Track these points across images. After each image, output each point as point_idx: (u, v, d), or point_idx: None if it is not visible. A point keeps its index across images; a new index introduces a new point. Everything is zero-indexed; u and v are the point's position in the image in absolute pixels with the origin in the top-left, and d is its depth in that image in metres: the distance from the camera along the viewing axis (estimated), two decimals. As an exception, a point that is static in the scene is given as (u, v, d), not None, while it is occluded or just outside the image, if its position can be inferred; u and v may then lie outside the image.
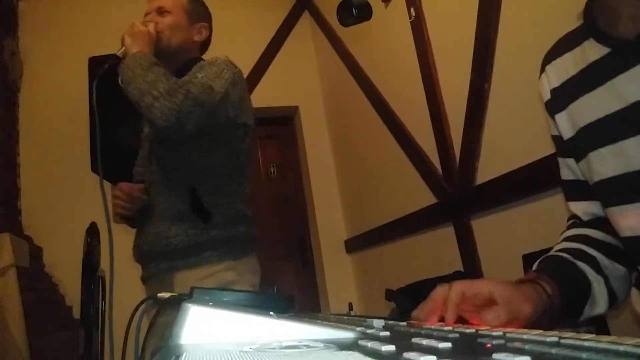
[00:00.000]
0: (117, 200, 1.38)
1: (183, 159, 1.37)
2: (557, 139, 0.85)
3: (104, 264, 1.46)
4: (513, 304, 0.61)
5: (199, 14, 1.51)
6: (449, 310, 0.58)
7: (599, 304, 0.73)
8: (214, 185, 1.37)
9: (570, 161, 0.83)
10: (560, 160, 0.86)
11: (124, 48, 1.33)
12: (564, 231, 0.86)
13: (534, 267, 0.77)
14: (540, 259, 0.78)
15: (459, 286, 0.61)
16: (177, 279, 1.33)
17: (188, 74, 1.32)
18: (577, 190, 0.84)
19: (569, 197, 0.87)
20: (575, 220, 0.87)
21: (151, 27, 1.38)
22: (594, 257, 0.76)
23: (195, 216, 1.33)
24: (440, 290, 0.62)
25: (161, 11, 1.44)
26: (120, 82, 1.28)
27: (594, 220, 0.82)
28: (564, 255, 0.77)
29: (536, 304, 0.64)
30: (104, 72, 1.34)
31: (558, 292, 0.68)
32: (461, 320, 0.59)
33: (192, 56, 1.47)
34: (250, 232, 1.42)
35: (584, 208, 0.83)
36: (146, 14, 1.46)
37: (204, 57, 1.50)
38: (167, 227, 1.35)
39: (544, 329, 0.40)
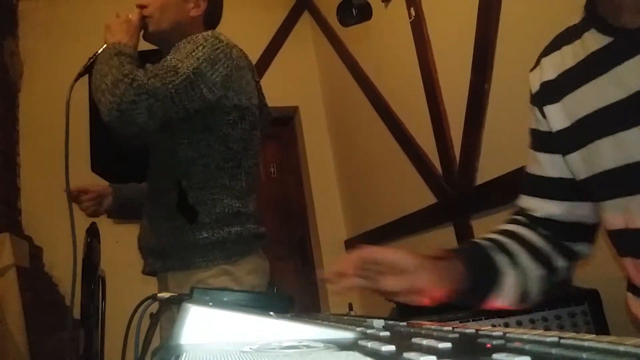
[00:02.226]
0: (80, 205, 1.39)
1: (169, 149, 1.26)
2: (536, 133, 0.84)
3: (104, 264, 1.46)
4: (418, 276, 0.63)
5: None
6: (347, 266, 0.60)
7: (507, 294, 0.75)
8: (202, 179, 1.24)
9: (545, 157, 0.82)
10: (533, 153, 0.86)
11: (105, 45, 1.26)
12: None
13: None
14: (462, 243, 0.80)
15: (369, 249, 0.63)
16: (170, 281, 1.27)
17: None
18: (540, 187, 0.83)
19: (527, 192, 0.86)
20: (516, 217, 0.86)
21: (133, 15, 1.31)
22: (512, 253, 0.77)
23: (180, 214, 1.23)
24: (353, 253, 0.63)
25: None
26: None
27: (544, 219, 0.82)
28: (483, 242, 0.79)
29: (444, 279, 0.66)
30: (84, 71, 1.30)
31: (465, 275, 0.71)
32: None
33: (193, 33, 1.30)
34: (250, 231, 1.29)
35: (539, 205, 0.83)
36: None
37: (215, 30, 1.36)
38: (158, 225, 1.28)
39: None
